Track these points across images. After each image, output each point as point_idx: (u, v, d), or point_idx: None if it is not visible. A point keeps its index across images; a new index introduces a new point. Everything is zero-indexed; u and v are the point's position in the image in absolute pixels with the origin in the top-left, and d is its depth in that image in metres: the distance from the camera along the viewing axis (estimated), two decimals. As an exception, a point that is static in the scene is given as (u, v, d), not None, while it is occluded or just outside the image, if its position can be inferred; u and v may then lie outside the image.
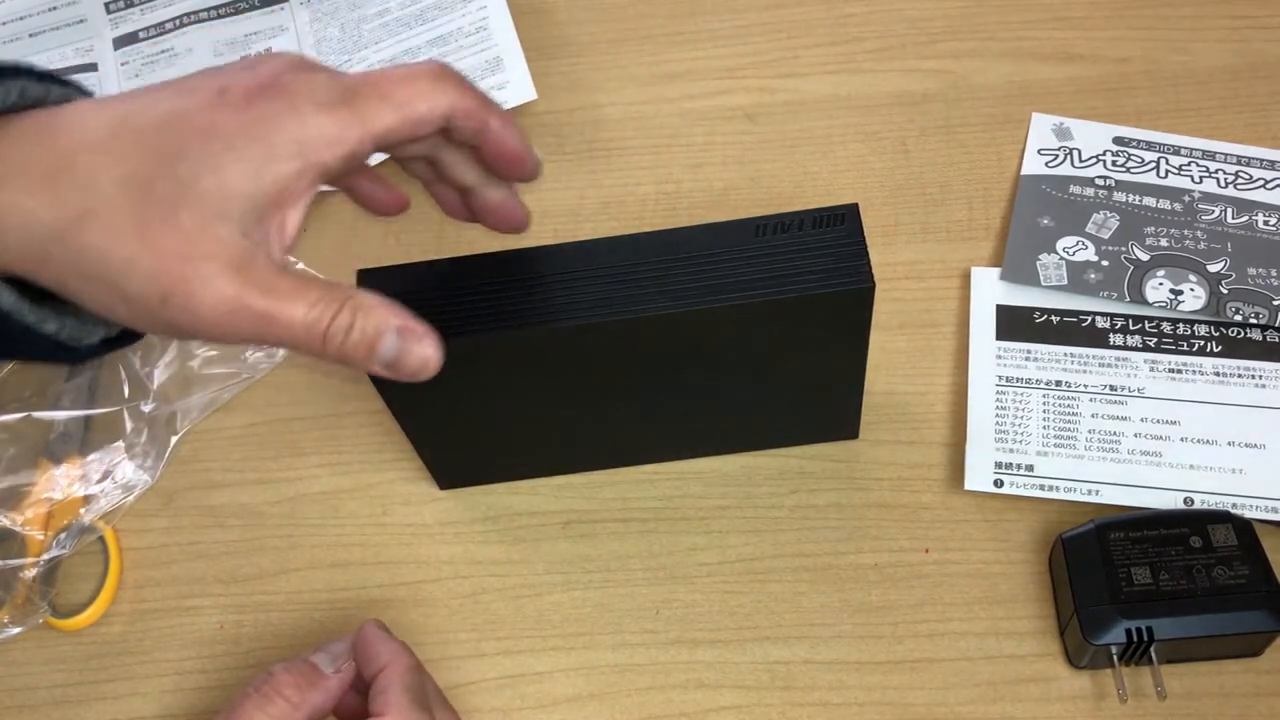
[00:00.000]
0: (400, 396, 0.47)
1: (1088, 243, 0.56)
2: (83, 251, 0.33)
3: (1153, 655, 0.45)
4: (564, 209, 0.62)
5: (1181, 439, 0.51)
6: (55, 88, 0.35)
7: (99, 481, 0.55)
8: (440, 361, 0.37)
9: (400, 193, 0.45)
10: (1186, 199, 0.58)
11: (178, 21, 0.71)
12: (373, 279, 0.44)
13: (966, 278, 0.57)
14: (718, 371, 0.47)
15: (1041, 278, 0.56)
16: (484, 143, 0.39)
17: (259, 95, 0.34)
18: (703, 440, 0.53)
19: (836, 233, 0.43)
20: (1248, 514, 0.48)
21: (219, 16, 0.71)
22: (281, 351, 0.58)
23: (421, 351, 0.36)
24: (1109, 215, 0.57)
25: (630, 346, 0.44)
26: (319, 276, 0.36)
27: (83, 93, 0.36)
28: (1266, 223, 0.56)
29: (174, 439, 0.56)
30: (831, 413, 0.52)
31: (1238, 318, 0.53)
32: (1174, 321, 0.54)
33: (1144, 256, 0.56)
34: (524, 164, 0.41)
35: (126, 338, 0.37)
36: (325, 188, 0.38)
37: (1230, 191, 0.58)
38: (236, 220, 0.34)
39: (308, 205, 0.35)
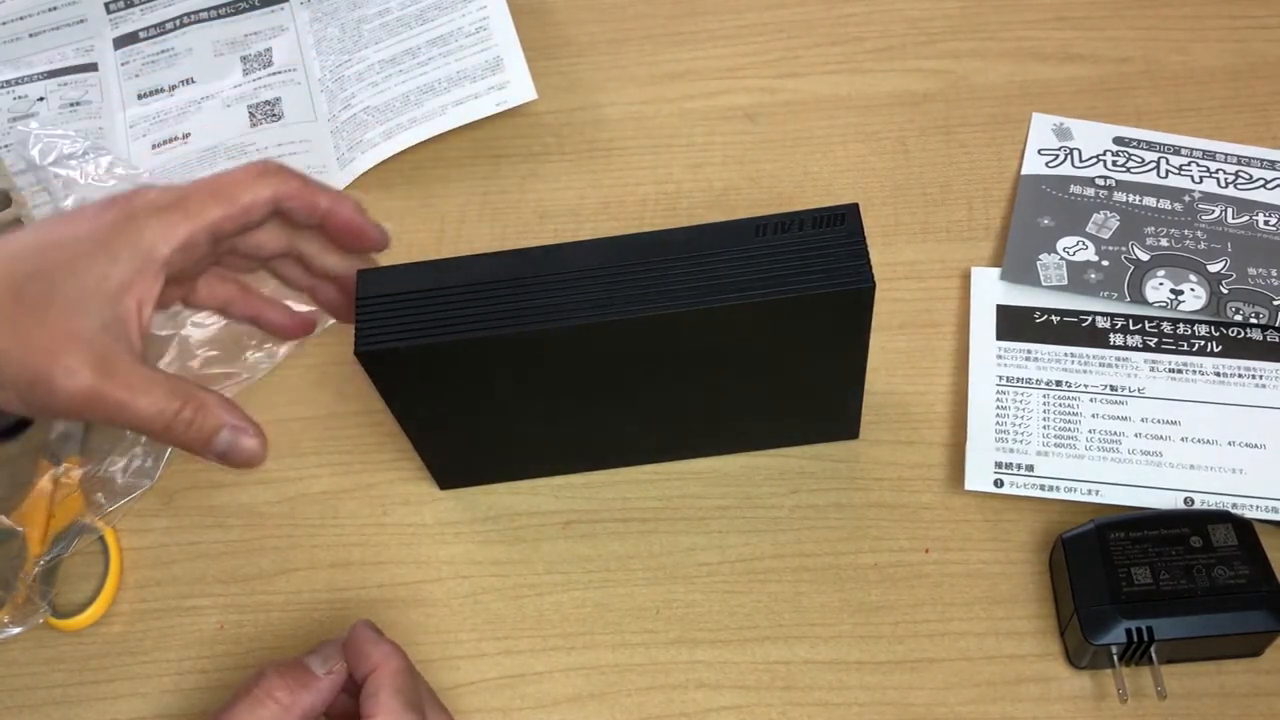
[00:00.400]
0: (401, 398, 0.47)
1: (1088, 243, 0.56)
2: None
3: (1153, 655, 0.45)
4: (564, 209, 0.62)
5: (1182, 439, 0.51)
6: None
7: (99, 482, 0.55)
8: (263, 454, 0.43)
9: (305, 315, 0.50)
10: (1187, 199, 0.58)
11: (178, 21, 0.71)
12: (373, 279, 0.44)
13: (966, 278, 0.57)
14: (718, 371, 0.47)
15: (1042, 278, 0.56)
16: (325, 222, 0.45)
17: (104, 211, 0.41)
18: (703, 441, 0.53)
19: (836, 233, 0.43)
20: (1248, 514, 0.48)
21: (219, 16, 0.71)
22: (282, 351, 0.58)
23: (248, 445, 0.42)
24: (1109, 215, 0.57)
25: (630, 346, 0.44)
26: (168, 374, 0.41)
27: None
28: (1267, 223, 0.56)
29: (174, 439, 0.56)
30: (832, 413, 0.52)
31: (1238, 318, 0.53)
32: (1174, 321, 0.54)
33: (1144, 256, 0.56)
34: (365, 234, 0.46)
35: (16, 429, 0.43)
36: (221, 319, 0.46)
37: (1230, 191, 0.58)
38: (94, 316, 0.39)
39: (156, 296, 0.41)
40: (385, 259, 0.47)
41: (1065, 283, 0.55)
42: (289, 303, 0.50)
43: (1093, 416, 0.52)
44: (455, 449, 0.51)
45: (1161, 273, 0.55)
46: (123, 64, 0.70)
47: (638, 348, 0.44)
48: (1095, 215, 0.57)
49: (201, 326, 0.58)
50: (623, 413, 0.49)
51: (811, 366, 0.47)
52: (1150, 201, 0.58)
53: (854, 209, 0.44)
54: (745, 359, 0.46)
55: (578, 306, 0.42)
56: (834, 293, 0.42)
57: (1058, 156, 0.60)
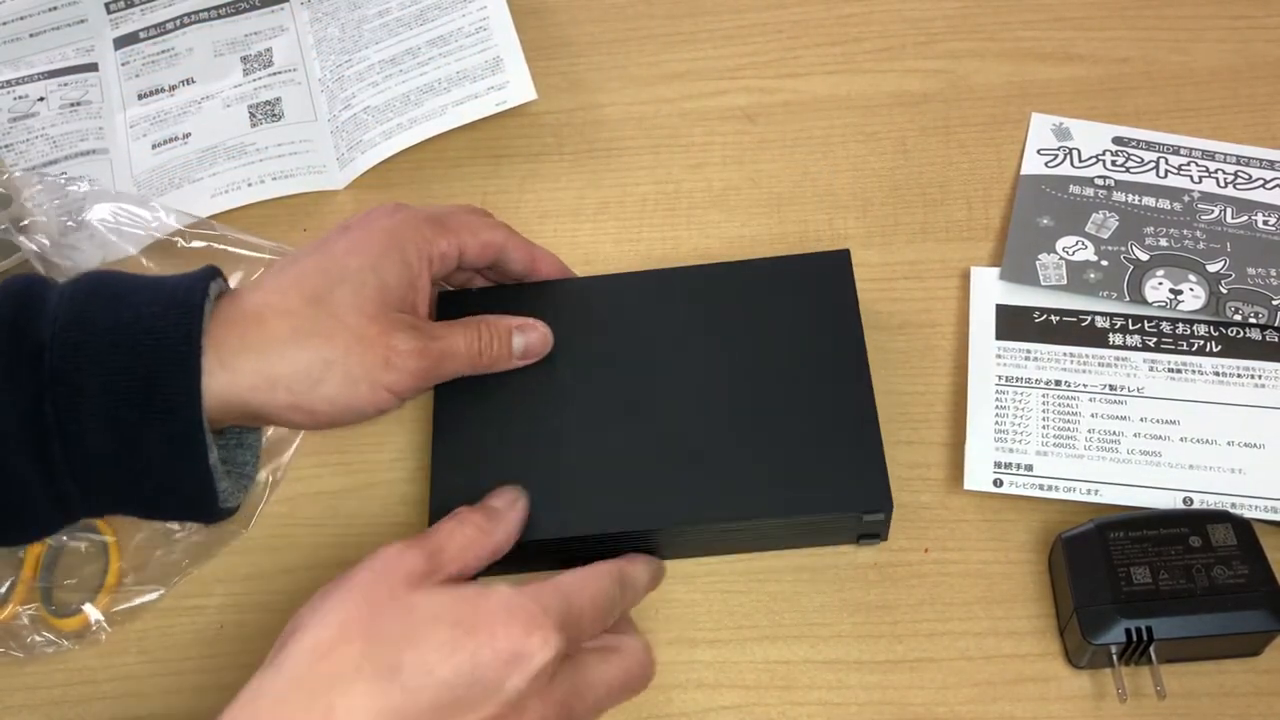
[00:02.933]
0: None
1: (1087, 242, 0.56)
2: (304, 360, 0.44)
3: (1152, 655, 0.45)
4: (564, 209, 0.62)
5: (1181, 439, 0.51)
6: (223, 280, 0.47)
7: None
8: (550, 338, 0.50)
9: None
10: (1186, 199, 0.58)
11: (178, 21, 0.71)
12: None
13: (966, 277, 0.57)
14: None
15: (1041, 277, 0.56)
16: (532, 274, 0.52)
17: (379, 218, 0.48)
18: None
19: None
20: (1247, 514, 0.48)
21: (219, 16, 0.71)
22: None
23: (536, 337, 0.50)
24: (1108, 215, 0.57)
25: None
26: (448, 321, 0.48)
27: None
28: (1266, 222, 0.56)
29: (174, 439, 0.56)
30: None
31: (1237, 317, 0.53)
32: (1174, 321, 0.54)
33: (1143, 256, 0.56)
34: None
35: (237, 509, 0.47)
36: None
37: (1230, 191, 0.58)
38: (397, 304, 0.46)
39: (429, 291, 0.48)
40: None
41: (1064, 282, 0.55)
42: None
43: (1092, 416, 0.52)
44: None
45: (1161, 272, 0.55)
46: (123, 64, 0.70)
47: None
48: (1094, 215, 0.57)
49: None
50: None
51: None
52: (1149, 201, 0.58)
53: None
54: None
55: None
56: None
57: (1057, 156, 0.60)
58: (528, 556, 0.47)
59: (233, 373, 0.43)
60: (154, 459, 0.42)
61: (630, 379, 0.50)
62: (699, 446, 0.48)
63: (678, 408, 0.49)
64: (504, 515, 0.45)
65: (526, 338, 0.49)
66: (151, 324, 0.42)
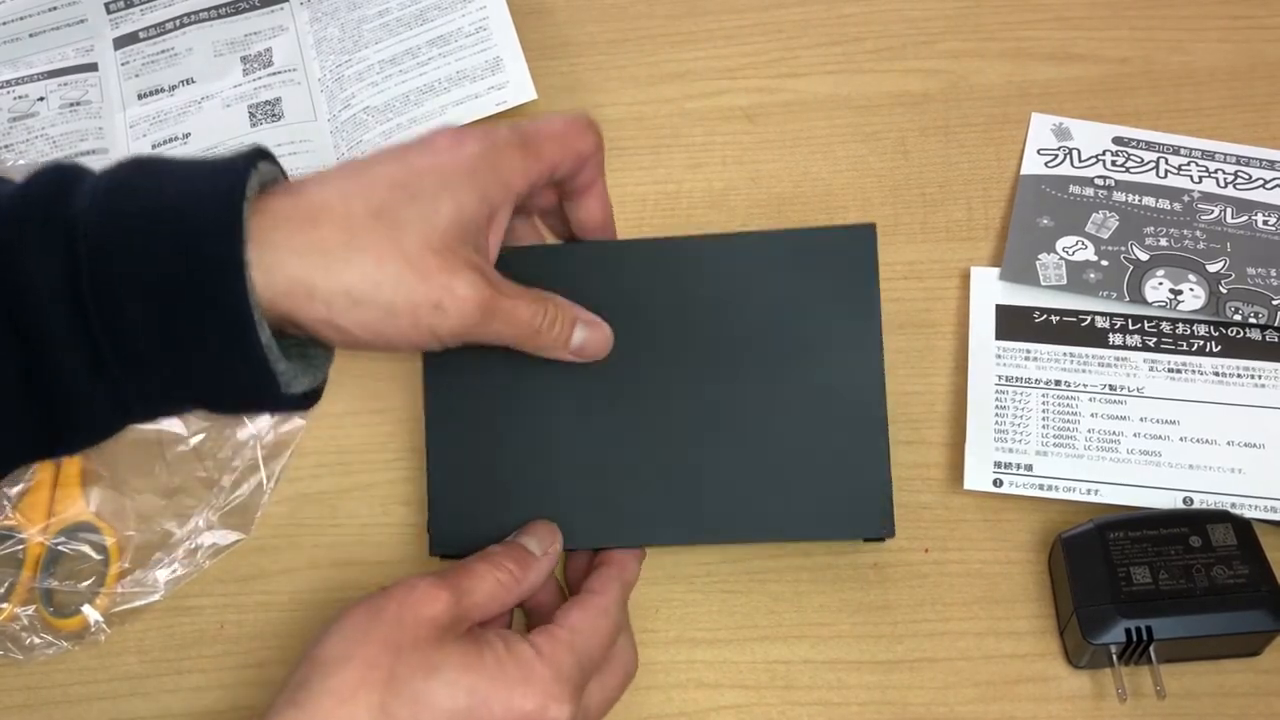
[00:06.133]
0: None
1: (1087, 242, 0.56)
2: (348, 277, 0.38)
3: (1152, 655, 0.45)
4: (564, 209, 0.62)
5: (1181, 439, 0.51)
6: (278, 167, 0.42)
7: (99, 480, 0.55)
8: (610, 341, 0.47)
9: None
10: (1186, 199, 0.58)
11: (178, 21, 0.71)
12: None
13: (966, 277, 0.57)
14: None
15: (1041, 277, 0.56)
16: (584, 209, 0.49)
17: (463, 144, 0.42)
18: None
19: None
20: (1247, 514, 0.48)
21: (219, 16, 0.71)
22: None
23: (598, 337, 0.46)
24: (1108, 215, 0.57)
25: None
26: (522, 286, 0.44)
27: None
28: (1266, 222, 0.56)
29: (174, 439, 0.56)
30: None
31: (1237, 317, 0.53)
32: (1173, 321, 0.54)
33: (1143, 256, 0.56)
34: (606, 229, 0.50)
35: (315, 395, 0.42)
36: None
37: (1230, 191, 0.58)
38: (470, 240, 0.41)
39: (506, 225, 0.44)
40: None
41: (1064, 282, 0.55)
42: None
43: (1092, 416, 0.52)
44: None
45: (1161, 272, 0.55)
46: (123, 64, 0.70)
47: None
48: (1094, 215, 0.57)
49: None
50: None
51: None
52: (1149, 201, 0.58)
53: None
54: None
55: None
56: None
57: (1057, 156, 0.60)
58: None
59: (269, 274, 0.38)
60: (203, 347, 0.38)
61: (631, 376, 0.48)
62: (698, 460, 0.47)
63: (680, 411, 0.48)
64: (536, 564, 0.45)
65: (589, 334, 0.46)
66: (190, 222, 0.37)
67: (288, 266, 0.38)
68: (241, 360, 0.38)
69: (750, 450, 0.47)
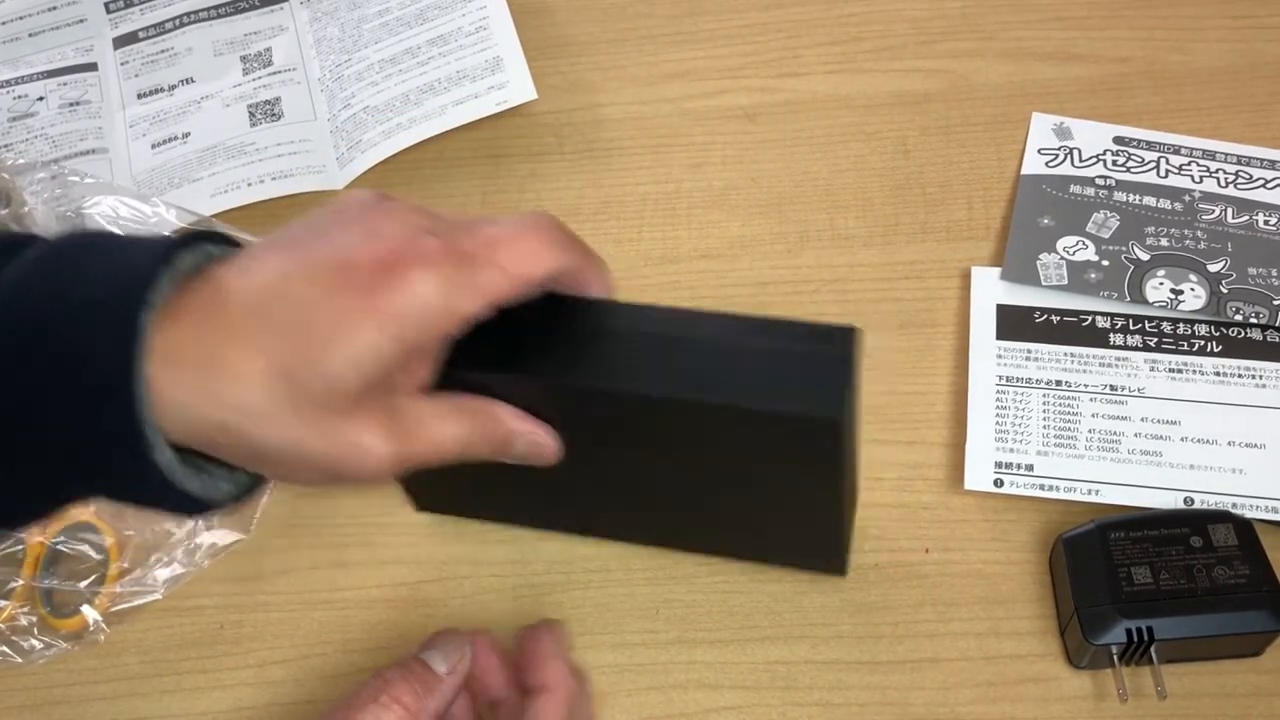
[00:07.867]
0: None
1: (1088, 242, 0.56)
2: (248, 440, 0.35)
3: (1153, 655, 0.45)
4: (564, 209, 0.62)
5: (1181, 439, 0.51)
6: (229, 248, 0.38)
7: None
8: (554, 447, 0.42)
9: None
10: (1187, 199, 0.58)
11: (178, 21, 0.71)
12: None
13: (966, 277, 0.57)
14: (694, 468, 0.44)
15: (1042, 277, 0.56)
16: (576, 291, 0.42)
17: (382, 276, 0.36)
18: (688, 536, 0.50)
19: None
20: (1248, 514, 0.48)
21: (219, 16, 0.71)
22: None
23: (544, 445, 0.42)
24: (1109, 215, 0.57)
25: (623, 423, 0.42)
26: (446, 397, 0.39)
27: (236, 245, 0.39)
28: (1267, 222, 0.56)
29: (174, 439, 0.56)
30: (813, 541, 0.48)
31: (1238, 317, 0.53)
32: (1174, 321, 0.54)
33: (1144, 256, 0.56)
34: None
35: (251, 492, 0.39)
36: None
37: (1230, 191, 0.58)
38: (378, 386, 0.36)
39: (439, 354, 0.39)
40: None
41: (1065, 282, 0.55)
42: None
43: (1092, 416, 0.52)
44: (444, 475, 0.45)
45: (1161, 272, 0.55)
46: (122, 64, 0.70)
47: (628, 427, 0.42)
48: (1095, 215, 0.57)
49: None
50: (604, 487, 0.47)
51: (782, 490, 0.43)
52: (1150, 201, 0.58)
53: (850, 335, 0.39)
54: (716, 462, 0.43)
55: (597, 368, 0.40)
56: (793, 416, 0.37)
57: (1058, 156, 0.60)
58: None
59: (171, 388, 0.34)
60: (106, 473, 0.36)
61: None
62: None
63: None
64: (438, 687, 0.41)
65: (527, 449, 0.41)
66: (79, 345, 0.34)
67: (182, 420, 0.34)
68: (140, 484, 0.35)
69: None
